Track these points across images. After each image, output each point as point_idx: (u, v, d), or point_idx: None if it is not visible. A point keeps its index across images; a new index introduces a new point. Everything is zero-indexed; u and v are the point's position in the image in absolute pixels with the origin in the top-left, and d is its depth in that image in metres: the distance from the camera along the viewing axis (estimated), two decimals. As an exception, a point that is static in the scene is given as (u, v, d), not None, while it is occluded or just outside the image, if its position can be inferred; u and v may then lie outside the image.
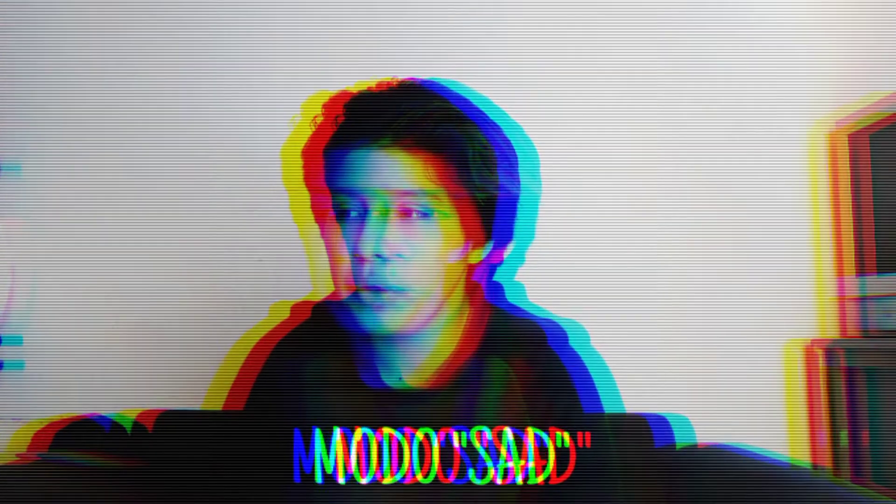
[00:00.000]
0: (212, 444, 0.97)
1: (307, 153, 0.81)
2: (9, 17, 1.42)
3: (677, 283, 1.37)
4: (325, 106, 0.80)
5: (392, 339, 0.79)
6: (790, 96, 1.42)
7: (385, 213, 0.74)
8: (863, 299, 1.31)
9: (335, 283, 0.77)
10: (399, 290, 0.74)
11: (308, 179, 0.81)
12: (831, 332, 1.39)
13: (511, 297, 0.90)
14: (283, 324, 0.89)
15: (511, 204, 0.80)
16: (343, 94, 0.79)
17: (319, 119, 0.80)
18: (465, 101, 0.78)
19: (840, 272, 1.38)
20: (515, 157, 0.80)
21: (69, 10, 1.42)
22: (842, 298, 1.37)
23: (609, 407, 0.86)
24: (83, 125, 1.39)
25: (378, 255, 0.73)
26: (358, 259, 0.73)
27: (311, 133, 0.81)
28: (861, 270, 1.32)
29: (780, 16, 1.43)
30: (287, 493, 0.79)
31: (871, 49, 1.37)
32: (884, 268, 1.26)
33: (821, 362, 1.35)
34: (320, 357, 0.82)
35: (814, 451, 1.36)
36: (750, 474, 1.03)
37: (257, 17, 1.42)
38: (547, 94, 1.38)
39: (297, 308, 0.89)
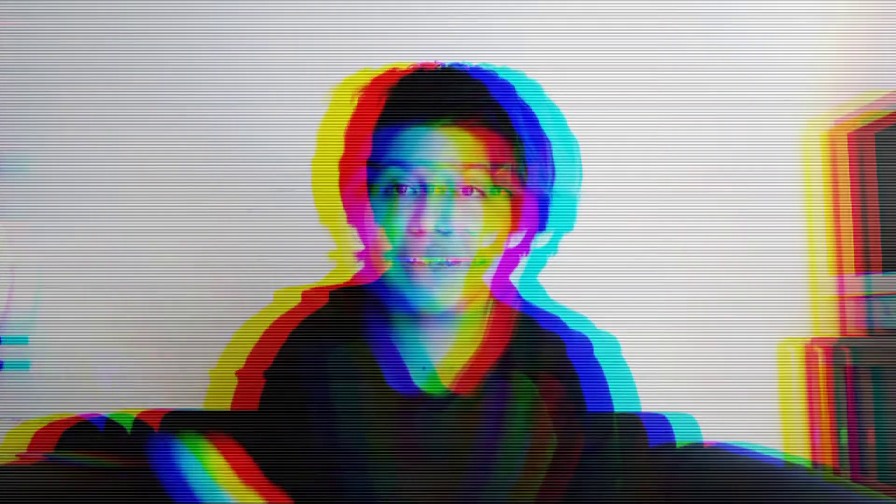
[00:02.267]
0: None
1: (352, 129, 0.79)
2: (11, 15, 1.42)
3: (672, 283, 1.37)
4: (374, 81, 0.78)
5: (424, 323, 0.78)
6: (785, 95, 1.42)
7: (446, 190, 0.74)
8: (867, 298, 1.30)
9: (374, 260, 0.76)
10: (457, 264, 0.74)
11: (349, 156, 0.79)
12: (826, 331, 1.38)
13: (528, 295, 0.90)
14: (295, 311, 0.87)
15: (547, 195, 0.81)
16: (391, 72, 0.78)
17: (359, 95, 0.79)
18: (513, 89, 0.78)
19: (840, 271, 1.38)
20: (551, 148, 0.81)
21: (74, 7, 1.42)
22: (842, 297, 1.37)
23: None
24: (87, 124, 1.39)
25: (439, 231, 0.73)
26: (416, 234, 0.73)
27: (353, 110, 0.79)
28: (865, 268, 1.31)
29: (775, 14, 1.43)
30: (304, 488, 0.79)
31: (867, 46, 1.37)
32: (885, 266, 1.26)
33: (821, 361, 1.34)
34: (342, 347, 0.81)
35: (813, 449, 1.36)
36: (749, 473, 1.02)
37: (260, 15, 1.42)
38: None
39: (309, 295, 0.89)
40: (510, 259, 0.82)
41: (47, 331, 1.36)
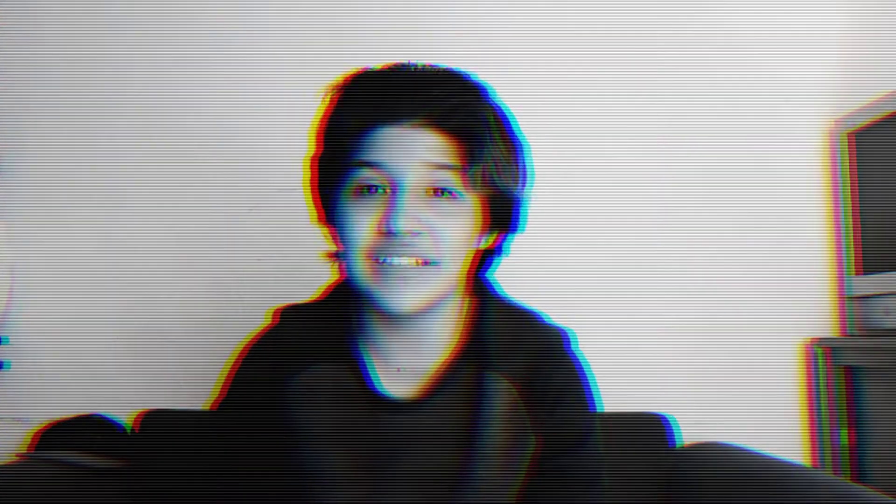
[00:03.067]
0: (198, 443, 0.94)
1: (322, 128, 0.78)
2: (12, 15, 1.42)
3: (675, 283, 1.37)
4: (342, 81, 0.77)
5: (397, 325, 0.78)
6: (802, 94, 1.41)
7: (416, 191, 0.73)
8: (864, 298, 1.31)
9: (349, 258, 0.74)
10: (429, 263, 0.73)
11: (319, 154, 0.79)
12: (830, 331, 1.39)
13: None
14: (260, 333, 0.86)
15: (519, 195, 0.80)
16: (363, 73, 0.78)
17: (332, 94, 0.77)
18: (487, 91, 0.78)
19: (840, 271, 1.38)
20: (522, 149, 0.80)
21: (74, 8, 1.42)
22: (841, 297, 1.37)
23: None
24: (87, 125, 1.39)
25: (410, 231, 0.72)
26: (388, 233, 0.72)
27: (324, 108, 0.78)
28: (862, 269, 1.32)
29: (781, 16, 1.43)
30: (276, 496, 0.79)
31: (872, 48, 1.37)
32: (885, 266, 1.26)
33: (821, 361, 1.35)
34: (312, 368, 0.79)
35: (813, 449, 1.36)
36: (750, 473, 1.03)
37: (257, 17, 1.42)
38: (544, 82, 1.39)
39: (279, 314, 0.86)
40: (484, 259, 0.81)
41: (47, 331, 1.36)
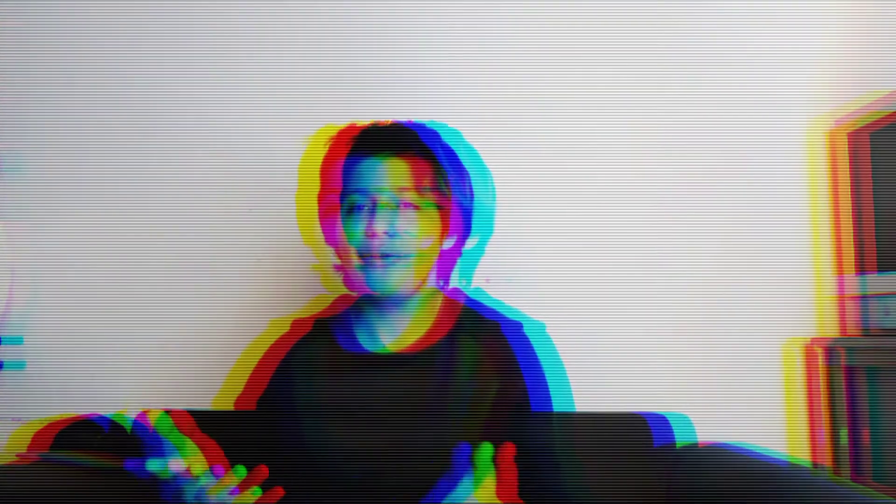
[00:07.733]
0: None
1: (325, 169, 1.08)
2: (11, 16, 1.42)
3: (675, 282, 1.37)
4: (339, 133, 1.08)
5: (382, 305, 1.05)
6: (788, 94, 1.42)
7: (391, 205, 1.01)
8: (863, 298, 1.31)
9: (343, 258, 1.04)
10: (402, 256, 1.01)
11: (324, 185, 1.08)
12: (830, 331, 1.39)
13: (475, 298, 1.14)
14: (285, 337, 1.11)
15: (469, 208, 1.08)
16: (351, 127, 1.07)
17: (329, 143, 1.08)
18: (437, 134, 1.07)
19: (840, 271, 1.38)
20: (468, 175, 1.09)
21: (74, 9, 1.42)
22: (841, 297, 1.37)
23: (560, 398, 1.06)
24: (86, 127, 1.40)
25: (387, 232, 1.00)
26: (371, 236, 1.00)
27: (325, 152, 1.08)
28: (861, 269, 1.32)
29: (777, 14, 1.43)
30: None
31: (869, 47, 1.37)
32: (884, 266, 1.26)
33: (820, 361, 1.35)
34: (307, 344, 1.09)
35: (814, 449, 1.36)
36: (750, 473, 1.03)
37: (256, 26, 1.42)
38: (537, 82, 1.41)
39: (297, 323, 1.12)
40: (448, 258, 1.08)
41: (47, 331, 1.37)
